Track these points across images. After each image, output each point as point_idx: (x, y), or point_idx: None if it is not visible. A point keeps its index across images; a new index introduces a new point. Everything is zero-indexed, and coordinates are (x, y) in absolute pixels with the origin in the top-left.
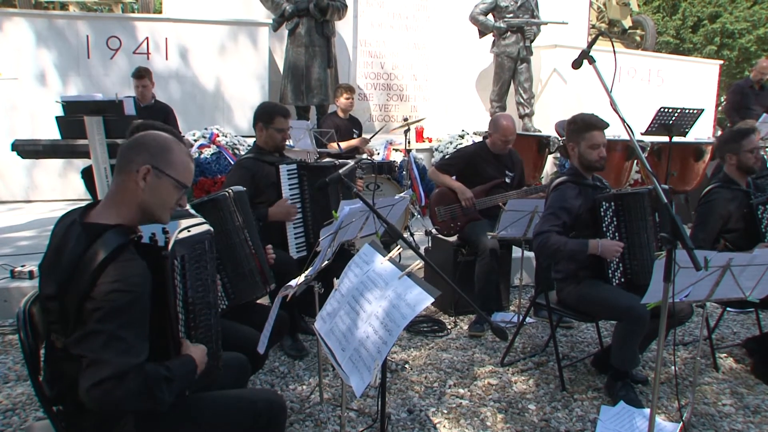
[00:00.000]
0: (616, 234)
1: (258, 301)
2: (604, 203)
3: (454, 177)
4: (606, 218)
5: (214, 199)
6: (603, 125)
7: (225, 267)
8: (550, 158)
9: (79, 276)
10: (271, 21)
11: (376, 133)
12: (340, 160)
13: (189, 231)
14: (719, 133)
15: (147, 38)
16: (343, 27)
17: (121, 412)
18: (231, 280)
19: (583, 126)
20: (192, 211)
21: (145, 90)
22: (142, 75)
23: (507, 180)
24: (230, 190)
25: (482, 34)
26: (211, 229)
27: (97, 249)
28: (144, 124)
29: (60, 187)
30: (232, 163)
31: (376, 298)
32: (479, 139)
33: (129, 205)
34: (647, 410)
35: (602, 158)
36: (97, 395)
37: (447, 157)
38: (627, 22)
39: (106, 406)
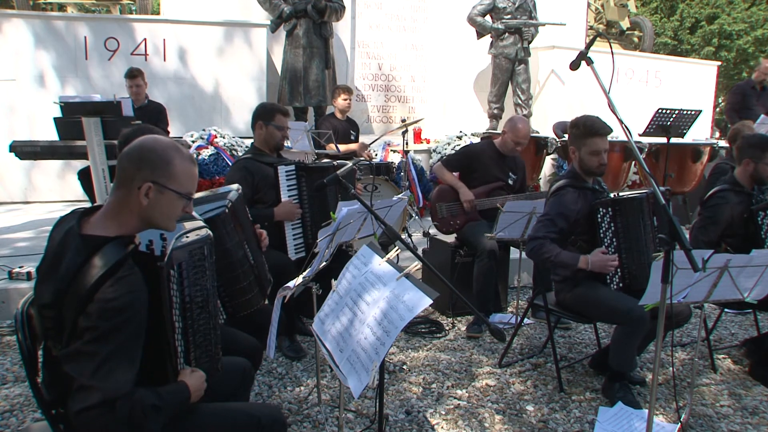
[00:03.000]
0: (614, 239)
1: None
2: (601, 209)
3: (457, 174)
4: (603, 224)
5: (212, 219)
6: (606, 131)
7: (223, 284)
8: (548, 159)
9: (76, 289)
10: (269, 22)
11: (376, 140)
12: (338, 161)
13: (187, 237)
14: (717, 134)
15: (145, 39)
16: (341, 28)
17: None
18: (229, 295)
19: (585, 131)
20: (194, 213)
21: (138, 90)
22: (134, 75)
23: (510, 182)
24: (229, 203)
25: (480, 35)
26: (211, 233)
27: (96, 263)
28: (136, 130)
29: (58, 189)
30: (231, 164)
31: (374, 300)
32: (477, 140)
33: (130, 216)
34: (645, 411)
35: (602, 165)
36: (84, 421)
37: (454, 152)
38: (625, 24)
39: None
